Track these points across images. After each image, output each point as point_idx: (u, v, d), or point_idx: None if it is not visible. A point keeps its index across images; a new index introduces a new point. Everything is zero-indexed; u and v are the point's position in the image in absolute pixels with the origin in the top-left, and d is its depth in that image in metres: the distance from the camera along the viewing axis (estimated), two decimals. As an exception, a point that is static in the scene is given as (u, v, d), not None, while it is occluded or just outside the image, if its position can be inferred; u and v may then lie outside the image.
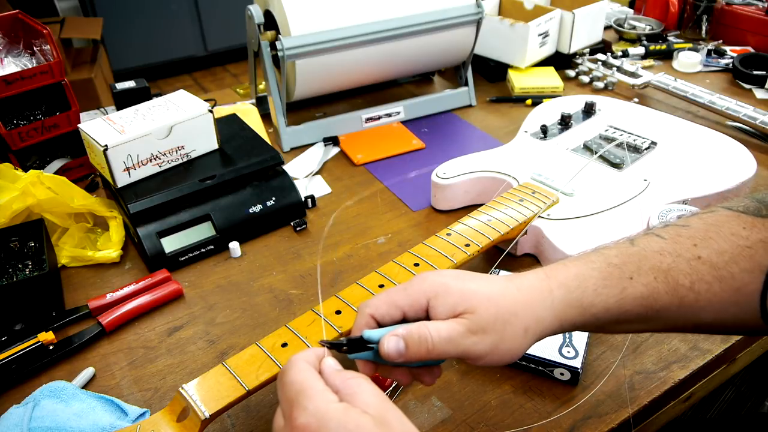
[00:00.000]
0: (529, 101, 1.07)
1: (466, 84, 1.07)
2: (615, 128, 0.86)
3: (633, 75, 1.10)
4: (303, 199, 0.80)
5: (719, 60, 1.20)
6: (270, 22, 0.93)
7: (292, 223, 0.78)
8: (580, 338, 0.56)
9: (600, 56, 1.17)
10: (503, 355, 0.40)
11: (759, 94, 1.08)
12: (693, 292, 0.42)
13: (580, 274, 0.43)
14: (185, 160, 0.77)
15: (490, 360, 0.40)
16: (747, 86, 1.11)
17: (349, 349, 0.39)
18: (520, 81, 1.10)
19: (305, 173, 0.89)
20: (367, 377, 0.36)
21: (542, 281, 0.43)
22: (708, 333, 0.58)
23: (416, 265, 0.58)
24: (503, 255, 0.65)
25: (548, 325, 0.42)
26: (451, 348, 0.39)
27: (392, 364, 0.40)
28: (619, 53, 1.20)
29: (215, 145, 0.79)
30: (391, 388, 0.55)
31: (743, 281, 0.41)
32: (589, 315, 0.42)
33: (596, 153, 0.79)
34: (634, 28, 1.35)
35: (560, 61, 1.18)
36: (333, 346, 0.39)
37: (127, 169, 0.72)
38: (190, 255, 0.72)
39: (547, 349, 0.55)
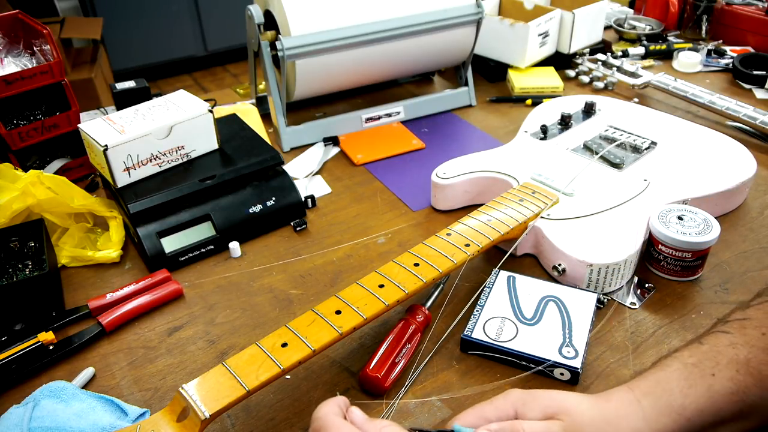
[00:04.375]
0: (529, 101, 1.07)
1: (466, 84, 1.07)
2: (615, 128, 0.86)
3: (633, 75, 1.10)
4: (303, 199, 0.80)
5: (719, 60, 1.20)
6: (270, 22, 0.93)
7: (292, 223, 0.78)
8: (580, 338, 0.56)
9: (600, 56, 1.17)
10: None
11: (759, 94, 1.08)
12: None
13: (660, 379, 0.42)
14: (185, 160, 0.77)
15: None
16: (747, 86, 1.11)
17: None
18: (520, 81, 1.10)
19: (305, 173, 0.89)
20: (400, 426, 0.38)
21: (626, 392, 0.42)
22: None
23: (416, 265, 0.58)
24: (506, 256, 0.66)
25: None
26: None
27: None
28: (619, 53, 1.20)
29: (215, 145, 0.79)
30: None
31: None
32: (684, 420, 0.41)
33: (597, 153, 0.79)
34: (634, 28, 1.35)
35: (560, 61, 1.18)
36: None
37: (127, 169, 0.72)
38: (190, 255, 0.72)
39: (547, 349, 0.55)
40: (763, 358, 0.42)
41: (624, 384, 0.44)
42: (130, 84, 0.87)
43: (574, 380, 0.54)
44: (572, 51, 1.17)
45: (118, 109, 0.82)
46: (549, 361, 0.54)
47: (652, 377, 0.43)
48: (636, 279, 0.67)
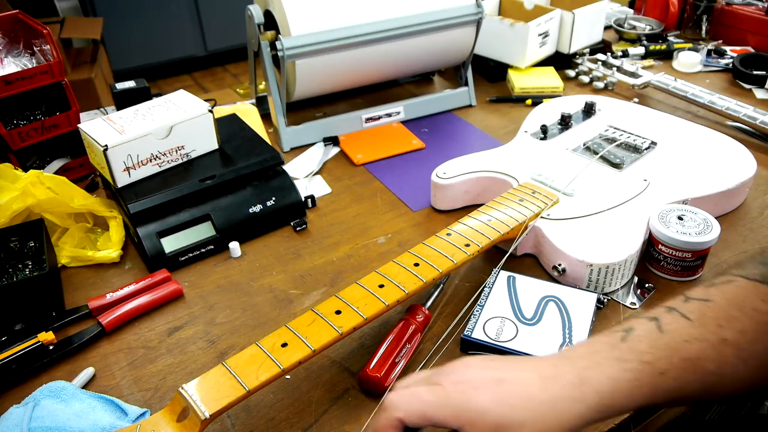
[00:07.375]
0: (529, 101, 1.07)
1: (466, 84, 1.07)
2: (615, 128, 0.86)
3: (633, 75, 1.10)
4: (303, 199, 0.80)
5: (719, 60, 1.20)
6: (270, 22, 0.93)
7: (292, 223, 0.78)
8: (580, 338, 0.56)
9: (600, 56, 1.17)
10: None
11: (759, 94, 1.08)
12: (718, 376, 0.42)
13: (613, 377, 0.41)
14: (185, 160, 0.77)
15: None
16: (747, 86, 1.11)
17: None
18: (520, 81, 1.10)
19: (305, 173, 0.89)
20: None
21: (575, 388, 0.40)
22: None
23: (416, 265, 0.58)
24: (506, 256, 0.66)
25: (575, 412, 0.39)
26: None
27: None
28: (619, 53, 1.20)
29: (215, 145, 0.79)
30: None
31: (766, 359, 0.42)
32: (617, 413, 0.41)
33: (596, 153, 0.79)
34: (634, 28, 1.35)
35: (560, 61, 1.18)
36: None
37: (127, 169, 0.72)
38: (190, 255, 0.72)
39: (547, 349, 0.55)
40: (711, 354, 0.42)
41: (575, 361, 0.42)
42: (130, 84, 0.87)
43: (574, 380, 0.54)
44: (572, 51, 1.17)
45: (118, 109, 0.82)
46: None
47: (606, 372, 0.41)
48: (636, 279, 0.67)
